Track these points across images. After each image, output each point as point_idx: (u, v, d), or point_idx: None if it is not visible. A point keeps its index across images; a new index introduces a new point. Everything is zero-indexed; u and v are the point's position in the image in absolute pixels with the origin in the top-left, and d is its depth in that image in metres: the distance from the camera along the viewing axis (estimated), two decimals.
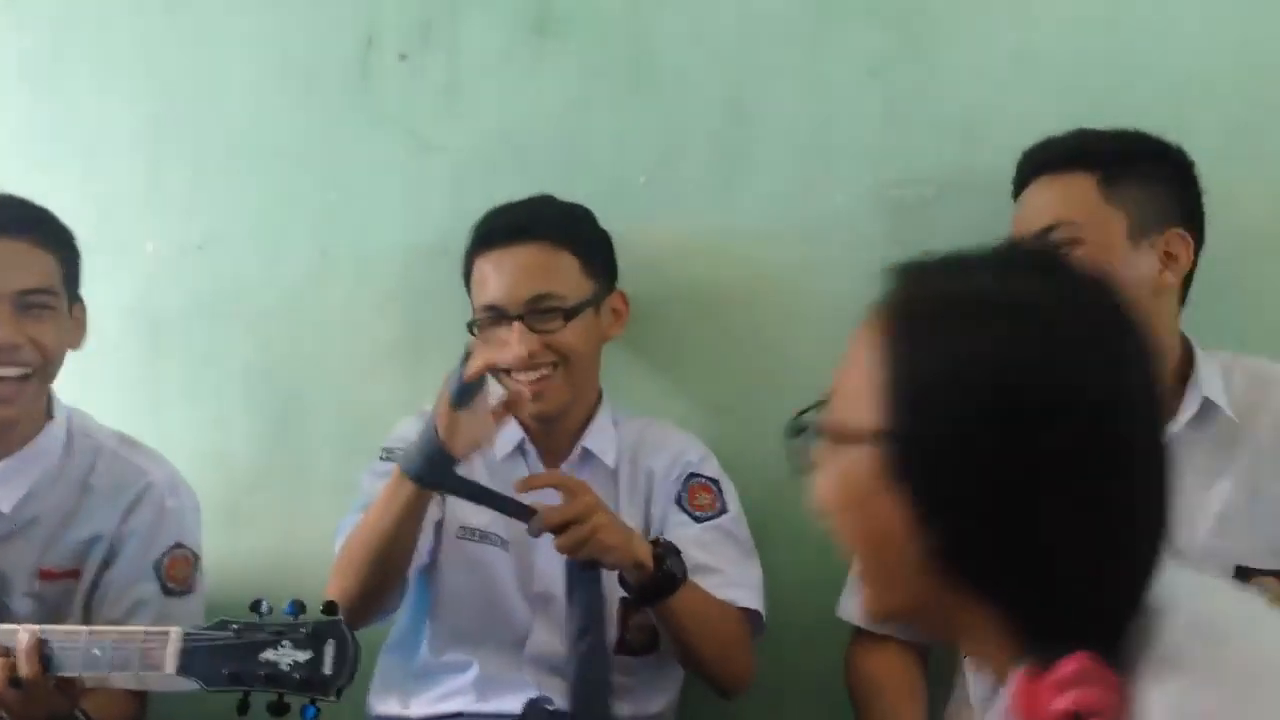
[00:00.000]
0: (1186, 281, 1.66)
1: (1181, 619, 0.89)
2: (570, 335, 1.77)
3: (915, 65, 1.95)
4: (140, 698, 1.75)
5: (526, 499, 1.66)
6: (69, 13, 2.20)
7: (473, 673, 1.80)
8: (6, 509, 1.73)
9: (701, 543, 1.78)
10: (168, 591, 1.75)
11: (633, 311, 1.90)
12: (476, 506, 1.79)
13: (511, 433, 1.86)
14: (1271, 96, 1.87)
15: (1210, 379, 1.63)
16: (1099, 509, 0.89)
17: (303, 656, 1.38)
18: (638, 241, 1.98)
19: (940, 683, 1.75)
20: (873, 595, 0.98)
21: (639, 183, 2.04)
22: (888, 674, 1.70)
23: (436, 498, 1.77)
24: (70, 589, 1.75)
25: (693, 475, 1.84)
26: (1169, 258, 1.61)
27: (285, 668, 1.38)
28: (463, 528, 1.83)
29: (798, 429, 1.01)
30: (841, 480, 0.96)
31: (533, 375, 1.76)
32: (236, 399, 2.15)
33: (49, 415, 1.79)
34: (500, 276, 1.77)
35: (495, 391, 1.75)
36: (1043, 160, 1.69)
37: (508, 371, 1.77)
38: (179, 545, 1.78)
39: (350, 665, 1.38)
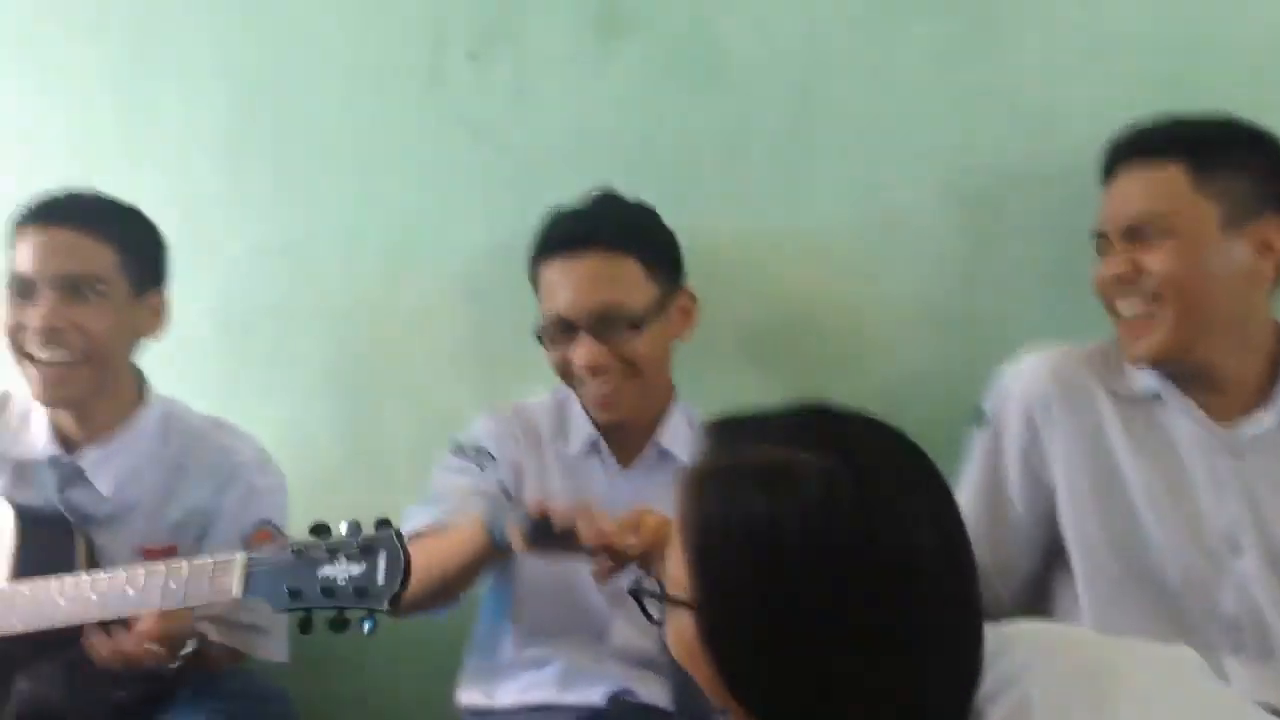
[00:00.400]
0: None
1: None
2: (638, 343, 1.76)
3: (985, 55, 1.93)
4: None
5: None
6: (151, 22, 2.26)
7: (556, 666, 1.81)
8: (106, 492, 1.81)
9: None
10: None
11: (701, 307, 1.89)
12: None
13: (584, 429, 1.87)
14: None
15: None
16: (886, 665, 0.93)
17: (356, 569, 1.42)
18: (705, 238, 1.98)
19: None
20: None
21: (706, 176, 2.04)
22: None
23: (503, 491, 1.82)
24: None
25: None
26: (1264, 248, 1.56)
27: (341, 581, 1.42)
28: (540, 501, 1.85)
29: (638, 592, 1.06)
30: (676, 640, 1.01)
31: (603, 384, 1.77)
32: (316, 396, 2.20)
33: (142, 402, 1.86)
34: (565, 287, 1.76)
35: None
36: (1130, 149, 1.64)
37: (579, 379, 1.78)
38: (266, 521, 1.82)
39: (402, 574, 1.41)
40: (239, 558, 1.48)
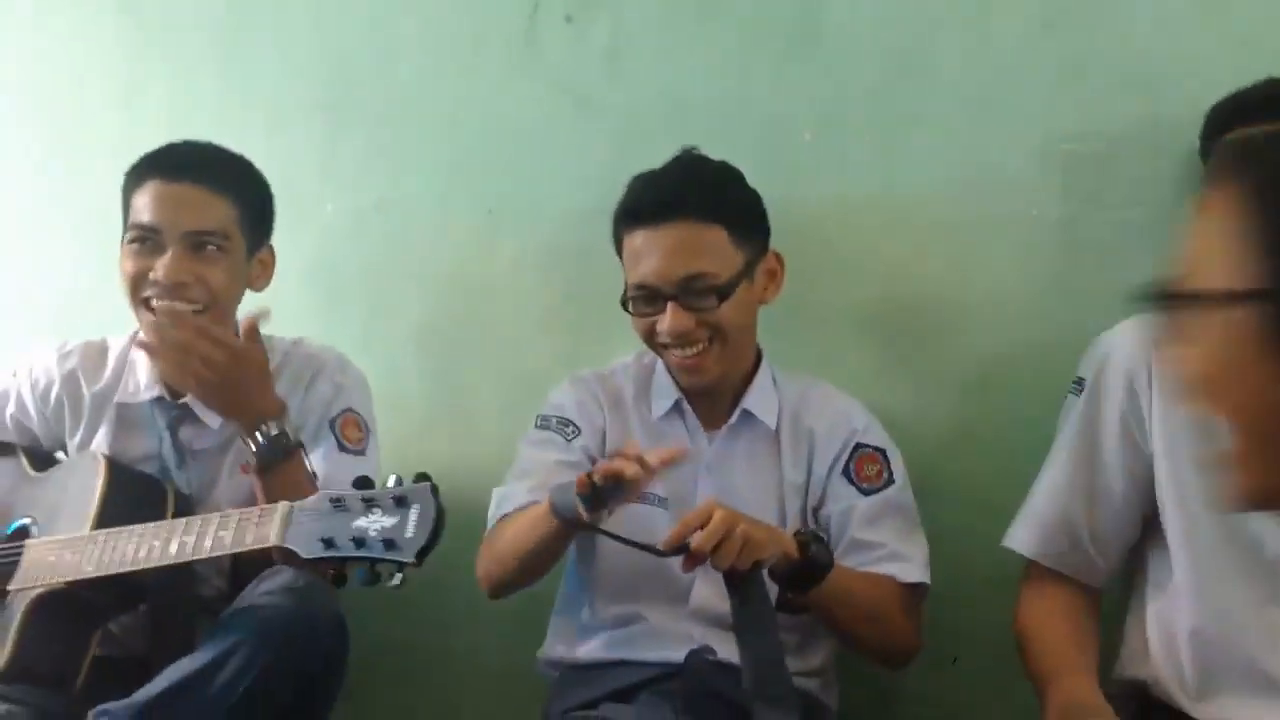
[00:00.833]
0: None
1: None
2: (725, 311, 1.75)
3: (1091, 18, 1.90)
4: None
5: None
6: None
7: (638, 625, 1.81)
8: (215, 425, 1.87)
9: (866, 518, 1.77)
10: (342, 448, 1.86)
11: (795, 271, 1.87)
12: None
13: (668, 392, 1.87)
14: None
15: None
16: None
17: (389, 521, 1.44)
18: (801, 201, 1.97)
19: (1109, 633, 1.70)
20: (1249, 477, 0.90)
21: (802, 141, 2.02)
22: (1057, 615, 1.64)
23: (588, 460, 1.82)
24: None
25: (859, 445, 1.82)
26: None
27: (373, 533, 1.43)
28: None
29: (1155, 298, 0.93)
30: (1214, 350, 0.89)
31: (689, 351, 1.77)
32: (408, 356, 2.22)
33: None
34: (651, 256, 1.75)
35: None
36: (1235, 116, 1.60)
37: (665, 345, 1.78)
38: (350, 409, 1.90)
39: (432, 527, 1.42)
40: (281, 507, 1.52)
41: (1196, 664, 1.56)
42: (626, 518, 1.81)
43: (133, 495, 1.77)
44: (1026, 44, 1.92)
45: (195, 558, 1.59)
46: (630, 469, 1.50)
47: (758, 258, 1.81)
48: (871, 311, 2.01)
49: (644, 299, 1.78)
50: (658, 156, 1.86)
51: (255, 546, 1.52)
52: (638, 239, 1.78)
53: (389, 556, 1.42)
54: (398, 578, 1.43)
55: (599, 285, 2.03)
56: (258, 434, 1.73)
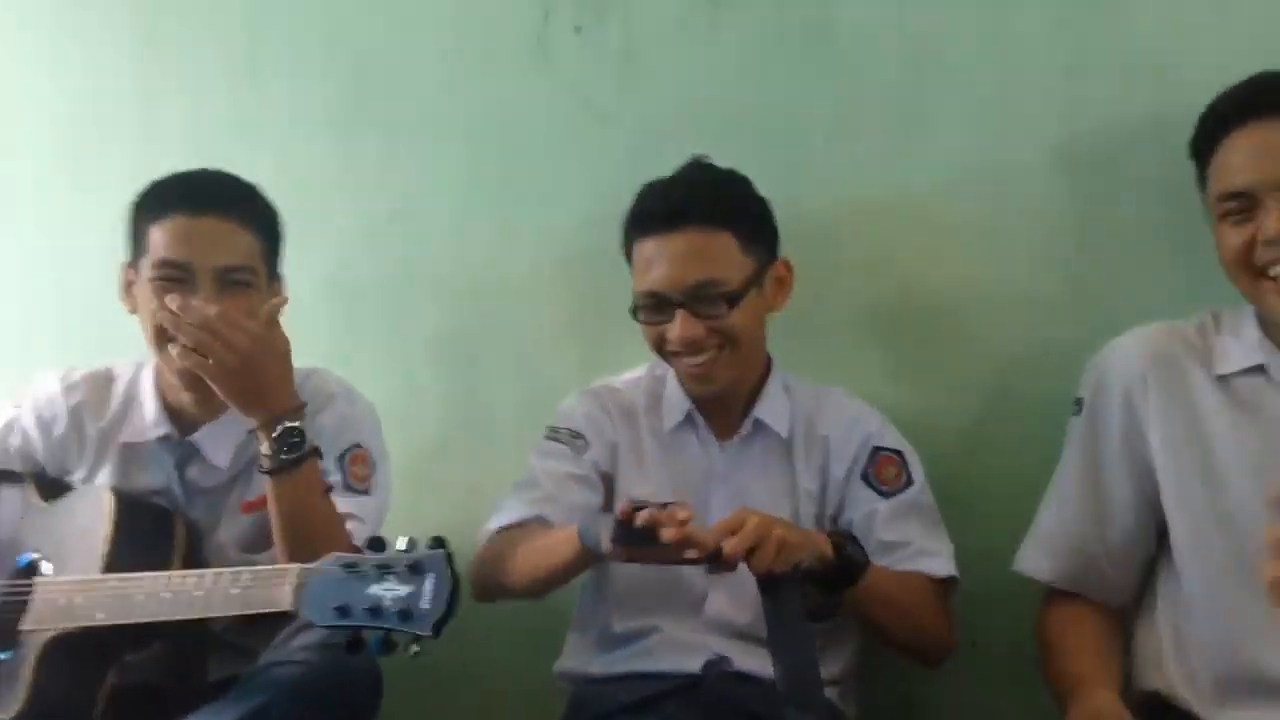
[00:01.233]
0: None
1: None
2: (734, 317, 1.75)
3: (1103, 16, 1.88)
4: None
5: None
6: (263, 3, 2.32)
7: (654, 637, 1.81)
8: (223, 465, 1.85)
9: (888, 520, 1.77)
10: (349, 488, 1.82)
11: (810, 276, 1.86)
12: (643, 479, 1.83)
13: (679, 403, 1.86)
14: None
15: None
16: None
17: (404, 590, 1.40)
18: (817, 205, 1.97)
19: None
20: None
21: (817, 146, 2.02)
22: (1079, 631, 1.64)
23: (597, 473, 1.84)
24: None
25: (877, 449, 1.81)
26: None
27: (388, 602, 1.40)
28: (632, 501, 1.85)
29: None
30: None
31: (699, 358, 1.76)
32: (424, 367, 2.22)
33: None
34: (660, 264, 1.74)
35: None
36: (1234, 114, 1.58)
37: (675, 353, 1.78)
38: (358, 445, 1.86)
39: (448, 599, 1.39)
40: (294, 569, 1.49)
41: (1210, 673, 1.54)
42: None
43: (142, 530, 1.75)
44: (1039, 42, 1.91)
45: (206, 615, 1.56)
46: (669, 533, 1.47)
47: (767, 264, 1.81)
48: (886, 314, 2.00)
49: (653, 307, 1.77)
50: (671, 163, 1.86)
51: (270, 608, 1.50)
52: (646, 247, 1.77)
53: (405, 628, 1.39)
54: (414, 649, 1.40)
55: (616, 293, 2.02)
56: (275, 432, 1.69)
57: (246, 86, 2.32)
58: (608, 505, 1.85)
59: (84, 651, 1.66)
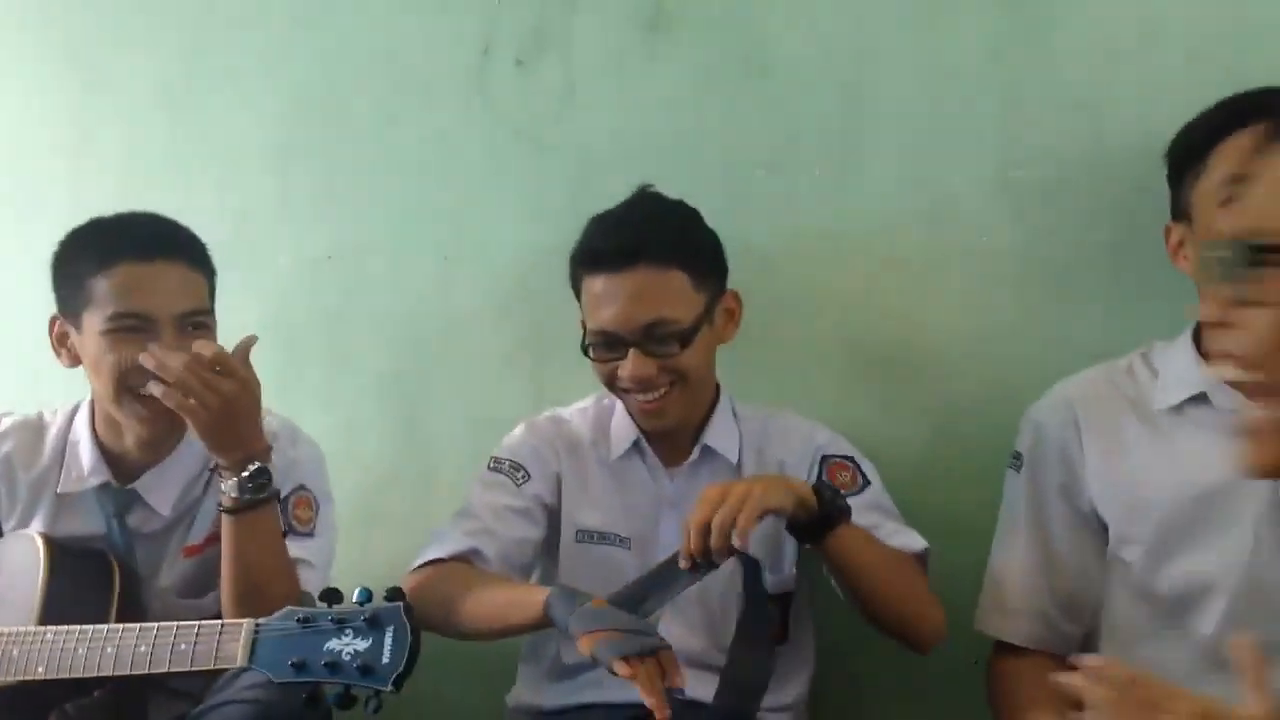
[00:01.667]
0: None
1: None
2: (687, 355, 1.75)
3: (1035, 44, 1.90)
4: None
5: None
6: (200, 33, 2.29)
7: (604, 669, 1.80)
8: (165, 511, 1.83)
9: (854, 514, 1.75)
10: (293, 530, 1.80)
11: (749, 307, 1.87)
12: (591, 509, 1.83)
13: (627, 431, 1.86)
14: None
15: None
16: None
17: (362, 645, 1.39)
18: (757, 235, 1.98)
19: None
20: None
21: (756, 178, 2.03)
22: (1031, 685, 1.63)
23: (539, 506, 1.83)
24: (213, 556, 1.80)
25: (826, 457, 1.82)
26: None
27: (346, 656, 1.39)
28: (580, 531, 1.85)
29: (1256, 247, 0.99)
30: None
31: (651, 395, 1.76)
32: (368, 402, 2.21)
33: None
34: (612, 302, 1.74)
35: None
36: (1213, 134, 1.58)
37: (627, 390, 1.78)
38: (302, 487, 1.84)
39: (409, 653, 1.38)
40: (247, 625, 1.47)
41: None
42: (590, 562, 1.82)
43: (78, 577, 1.73)
44: (973, 75, 1.93)
45: (153, 671, 1.54)
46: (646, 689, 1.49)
47: (717, 298, 1.81)
48: (829, 346, 2.01)
49: (604, 345, 1.77)
50: (612, 196, 1.86)
51: (221, 665, 1.48)
52: (597, 284, 1.76)
53: (366, 684, 1.38)
54: (371, 705, 1.38)
55: (559, 327, 2.03)
56: (245, 472, 1.68)
57: (183, 120, 2.30)
58: (549, 536, 1.85)
59: (21, 703, 1.63)
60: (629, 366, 1.74)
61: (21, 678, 1.60)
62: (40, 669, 1.58)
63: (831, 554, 1.64)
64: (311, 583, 1.75)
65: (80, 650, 1.57)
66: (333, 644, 1.40)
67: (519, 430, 1.90)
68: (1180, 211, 1.60)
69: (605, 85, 2.10)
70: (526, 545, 1.82)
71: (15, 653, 1.62)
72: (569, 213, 1.91)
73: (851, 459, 1.82)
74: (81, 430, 1.86)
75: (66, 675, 1.57)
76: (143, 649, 1.53)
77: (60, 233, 1.84)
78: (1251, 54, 1.80)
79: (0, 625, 1.67)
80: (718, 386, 1.89)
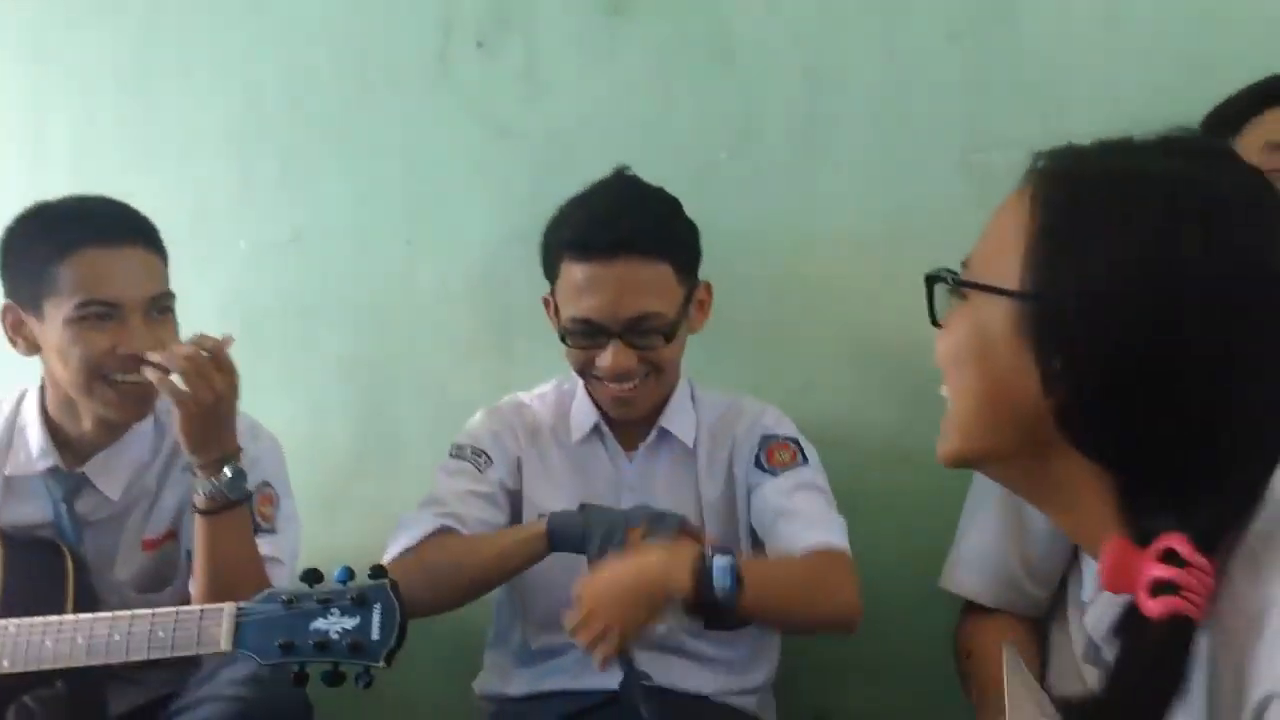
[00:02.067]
0: None
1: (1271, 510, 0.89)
2: (668, 350, 1.75)
3: (996, 29, 1.93)
4: None
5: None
6: (156, 17, 2.25)
7: (571, 655, 1.80)
8: (114, 496, 1.80)
9: (781, 489, 1.76)
10: (257, 528, 1.78)
11: (719, 290, 1.87)
12: (553, 492, 1.83)
13: (587, 415, 1.86)
14: None
15: None
16: (1232, 392, 0.88)
17: (350, 623, 1.39)
18: (721, 219, 1.97)
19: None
20: (960, 439, 1.01)
21: (720, 160, 2.03)
22: (998, 645, 1.66)
23: (502, 490, 1.83)
24: (171, 550, 1.80)
25: (768, 436, 1.82)
26: None
27: (335, 635, 1.39)
28: (541, 514, 1.84)
29: (937, 278, 1.04)
30: (972, 330, 0.98)
31: (626, 385, 1.76)
32: (332, 387, 2.20)
33: None
34: (597, 292, 1.71)
35: None
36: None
37: (600, 378, 1.77)
38: (265, 484, 1.83)
39: (398, 628, 1.39)
40: (228, 608, 1.46)
41: None
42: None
43: (30, 568, 1.70)
44: (935, 57, 1.94)
45: (130, 659, 1.51)
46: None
47: (693, 289, 1.81)
48: (795, 329, 2.02)
49: (584, 333, 1.74)
50: (575, 180, 1.84)
51: (204, 651, 1.46)
52: (581, 272, 1.72)
53: (357, 661, 1.38)
54: (362, 682, 1.38)
55: (522, 312, 2.03)
56: (223, 472, 1.66)
57: (138, 102, 2.27)
58: (512, 520, 1.85)
59: None
60: (610, 358, 1.73)
61: None
62: (5, 662, 1.56)
63: (740, 616, 1.60)
64: (280, 579, 1.75)
65: (47, 642, 1.55)
66: (319, 623, 1.40)
67: (479, 416, 1.90)
68: None
69: (568, 68, 2.09)
70: (491, 529, 1.81)
71: None
72: (533, 196, 1.91)
73: (794, 440, 1.82)
74: (31, 414, 1.83)
75: (35, 668, 1.55)
76: (117, 638, 1.51)
77: (8, 215, 1.79)
78: (1212, 39, 1.83)
79: None
80: (680, 373, 1.88)
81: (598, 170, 1.85)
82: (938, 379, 1.88)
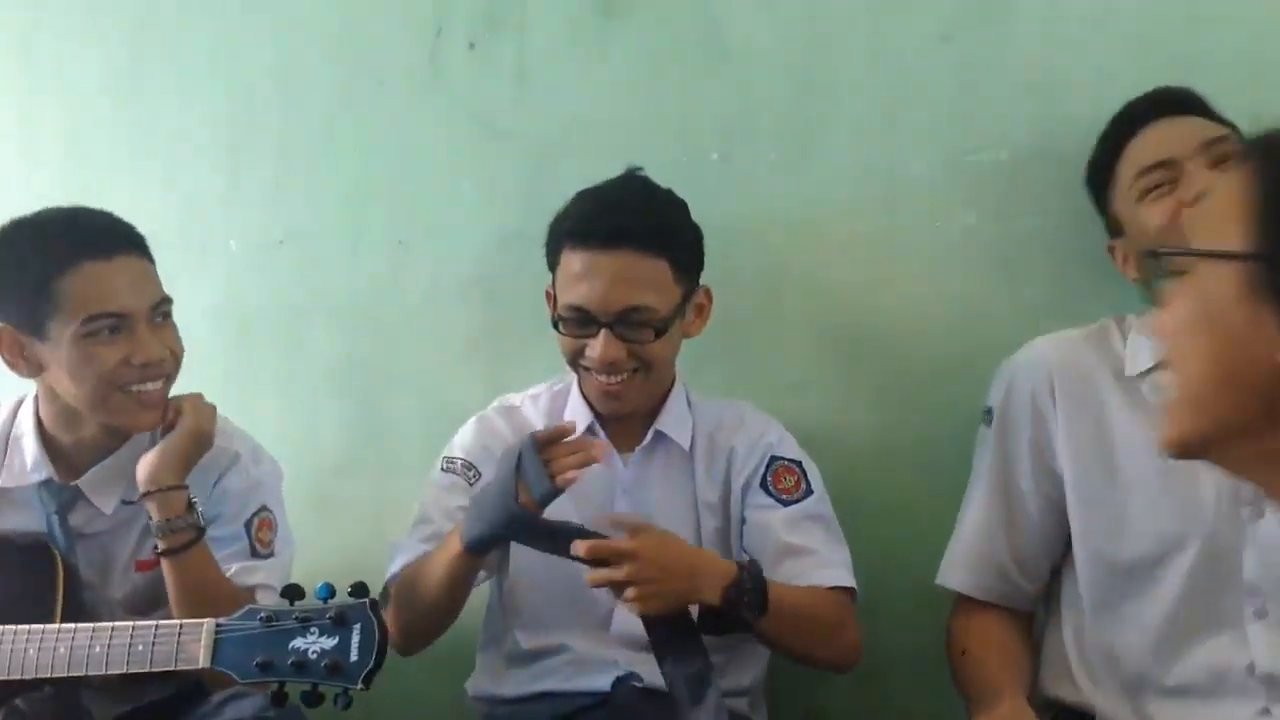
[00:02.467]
0: None
1: None
2: (657, 346, 1.75)
3: (987, 29, 1.92)
4: None
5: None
6: (149, 18, 2.26)
7: (562, 656, 1.81)
8: (109, 510, 1.79)
9: (790, 524, 1.78)
10: (255, 553, 1.79)
11: (712, 290, 1.87)
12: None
13: (582, 416, 1.85)
14: None
15: None
16: None
17: (329, 643, 1.38)
18: (713, 219, 1.96)
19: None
20: (1187, 419, 1.02)
21: (711, 161, 2.03)
22: (992, 642, 1.67)
23: None
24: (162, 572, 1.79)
25: (775, 458, 1.82)
26: None
27: (313, 655, 1.38)
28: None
29: (1157, 252, 1.07)
30: (1198, 298, 0.99)
31: (615, 378, 1.76)
32: (322, 389, 2.20)
33: None
34: (591, 281, 1.71)
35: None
36: (1125, 125, 1.68)
37: (589, 369, 1.77)
38: (264, 508, 1.82)
39: (377, 650, 1.37)
40: (207, 624, 1.45)
41: (1114, 679, 1.59)
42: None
43: (20, 573, 1.70)
44: (926, 58, 1.94)
45: (109, 673, 1.51)
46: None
47: (692, 292, 1.81)
48: (786, 329, 2.02)
49: (576, 321, 1.75)
50: (567, 180, 1.85)
51: (182, 667, 1.45)
52: (579, 260, 1.73)
53: (334, 683, 1.37)
54: (341, 703, 1.37)
55: (515, 312, 2.03)
56: (169, 511, 1.67)
57: (130, 103, 2.27)
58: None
59: None
60: (598, 347, 1.73)
61: None
62: None
63: (755, 633, 1.66)
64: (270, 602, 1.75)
65: (30, 651, 1.54)
66: (298, 642, 1.39)
67: (470, 427, 1.89)
68: (1114, 229, 1.69)
69: (559, 68, 2.09)
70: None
71: None
72: (524, 197, 1.91)
73: (799, 463, 1.83)
74: (26, 425, 1.82)
75: (18, 676, 1.55)
76: (97, 650, 1.51)
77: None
78: (1200, 39, 1.82)
79: None
80: (675, 375, 1.89)
81: (589, 171, 1.85)
82: (930, 379, 1.92)
